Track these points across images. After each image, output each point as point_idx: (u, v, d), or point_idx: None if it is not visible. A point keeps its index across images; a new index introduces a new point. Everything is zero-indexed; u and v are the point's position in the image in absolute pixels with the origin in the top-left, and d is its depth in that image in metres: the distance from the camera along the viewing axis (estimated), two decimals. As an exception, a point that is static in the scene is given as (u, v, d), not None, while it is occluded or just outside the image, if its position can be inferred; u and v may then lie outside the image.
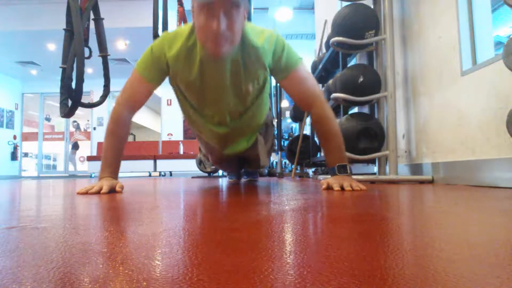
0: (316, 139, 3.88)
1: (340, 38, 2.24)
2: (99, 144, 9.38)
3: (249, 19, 3.27)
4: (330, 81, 2.90)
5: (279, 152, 5.02)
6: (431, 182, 1.97)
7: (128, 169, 7.80)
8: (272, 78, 1.53)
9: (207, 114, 1.52)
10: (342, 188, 1.30)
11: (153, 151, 8.91)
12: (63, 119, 10.80)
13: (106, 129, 1.44)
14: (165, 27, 2.82)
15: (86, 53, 2.46)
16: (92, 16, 2.62)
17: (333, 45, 2.41)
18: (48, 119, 12.43)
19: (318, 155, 3.79)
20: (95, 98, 4.58)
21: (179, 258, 0.36)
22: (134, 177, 6.55)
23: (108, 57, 2.74)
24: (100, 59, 2.69)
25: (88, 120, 11.41)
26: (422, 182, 1.97)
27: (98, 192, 1.27)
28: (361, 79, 2.15)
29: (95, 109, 9.15)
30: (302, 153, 3.92)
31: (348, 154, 2.03)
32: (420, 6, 2.18)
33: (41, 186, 2.29)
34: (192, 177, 4.52)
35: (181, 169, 7.96)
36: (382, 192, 1.29)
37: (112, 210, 0.84)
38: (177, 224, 0.59)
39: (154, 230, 0.53)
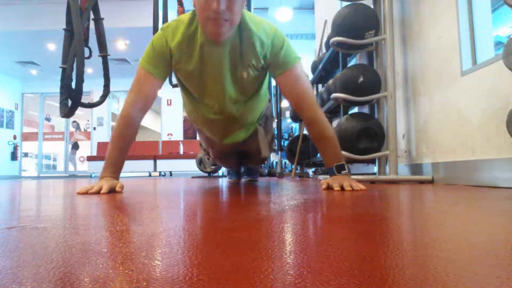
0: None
1: (340, 38, 2.24)
2: (99, 144, 9.39)
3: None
4: (330, 81, 2.90)
5: (279, 152, 5.02)
6: (431, 182, 1.97)
7: (128, 169, 7.79)
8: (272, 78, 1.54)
9: (207, 103, 1.53)
10: (342, 188, 1.31)
11: (153, 151, 8.91)
12: (63, 119, 10.80)
13: (114, 129, 1.44)
14: (165, 27, 2.82)
15: (86, 53, 2.46)
16: (92, 16, 2.62)
17: (333, 45, 2.41)
18: (48, 119, 12.43)
19: (318, 155, 3.79)
20: (95, 98, 4.57)
21: (179, 258, 0.36)
22: (134, 177, 6.55)
23: (108, 57, 2.74)
24: (100, 59, 2.69)
25: (88, 120, 11.41)
26: (422, 182, 1.97)
27: (98, 192, 1.27)
28: (361, 79, 2.15)
29: (95, 109, 9.15)
30: (302, 153, 3.92)
31: (348, 154, 2.03)
32: (420, 6, 2.18)
33: (41, 186, 2.29)
34: (192, 177, 4.52)
35: (181, 169, 7.96)
36: (382, 192, 1.29)
37: (112, 210, 0.84)
38: (177, 224, 0.59)
39: (154, 230, 0.53)
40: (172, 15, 2.84)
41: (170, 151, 8.70)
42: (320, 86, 4.01)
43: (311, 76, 4.03)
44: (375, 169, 2.30)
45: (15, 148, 10.37)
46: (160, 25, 2.80)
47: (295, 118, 4.50)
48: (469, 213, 0.72)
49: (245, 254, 0.37)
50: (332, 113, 3.37)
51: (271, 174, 4.41)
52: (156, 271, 0.32)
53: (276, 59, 1.39)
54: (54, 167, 14.97)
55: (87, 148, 10.86)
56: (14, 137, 10.46)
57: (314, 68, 3.94)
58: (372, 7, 2.30)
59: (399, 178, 2.00)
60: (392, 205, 0.91)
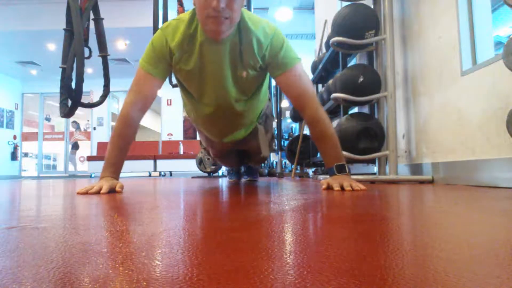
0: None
1: (340, 38, 2.24)
2: (99, 144, 9.39)
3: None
4: (330, 81, 2.90)
5: (279, 152, 5.02)
6: (431, 182, 1.97)
7: (128, 169, 7.79)
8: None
9: (206, 103, 1.53)
10: (342, 188, 1.31)
11: (153, 151, 8.92)
12: (63, 119, 10.81)
13: (113, 128, 1.44)
14: (165, 27, 2.82)
15: (86, 53, 2.46)
16: (92, 16, 2.62)
17: (333, 45, 2.41)
18: (48, 119, 12.43)
19: (318, 155, 3.78)
20: (95, 98, 4.58)
21: (179, 258, 0.36)
22: (134, 177, 6.55)
23: (108, 57, 2.74)
24: (100, 59, 2.69)
25: (88, 120, 11.41)
26: (422, 182, 1.97)
27: (98, 192, 1.27)
28: (361, 79, 2.15)
29: (95, 109, 9.15)
30: (302, 153, 3.92)
31: (348, 154, 2.03)
32: (420, 6, 2.18)
33: (41, 186, 2.29)
34: (192, 177, 4.52)
35: (181, 169, 7.96)
36: (382, 192, 1.29)
37: (112, 210, 0.84)
38: (177, 224, 0.59)
39: (154, 230, 0.53)
40: (172, 15, 2.85)
41: (170, 151, 8.71)
42: (320, 86, 4.01)
43: (311, 76, 4.03)
44: (375, 169, 2.30)
45: (15, 148, 10.38)
46: (160, 25, 2.80)
47: (295, 118, 4.50)
48: (469, 213, 0.72)
49: (245, 254, 0.37)
50: (332, 113, 3.37)
51: (271, 174, 4.41)
52: (156, 271, 0.32)
53: (275, 59, 1.39)
54: (54, 167, 14.97)
55: (87, 148, 10.86)
56: (14, 137, 10.46)
57: (314, 68, 3.94)
58: (372, 7, 2.30)
59: (399, 178, 2.00)
60: (392, 205, 0.91)
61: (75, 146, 11.52)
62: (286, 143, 5.05)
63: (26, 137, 11.04)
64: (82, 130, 12.02)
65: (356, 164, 3.23)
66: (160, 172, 8.38)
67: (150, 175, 8.46)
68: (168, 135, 10.19)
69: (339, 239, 0.45)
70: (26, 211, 0.83)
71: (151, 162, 8.07)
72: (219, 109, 1.53)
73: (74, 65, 2.39)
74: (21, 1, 7.03)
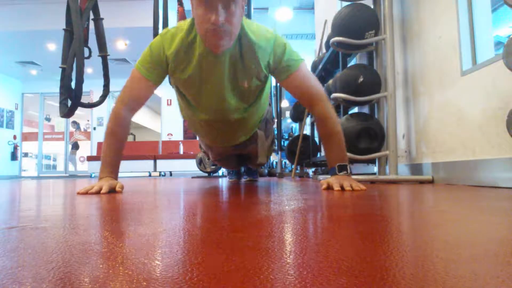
0: (316, 139, 3.88)
1: (340, 38, 2.24)
2: (99, 144, 9.38)
3: (248, 17, 3.27)
4: (330, 81, 2.90)
5: (279, 152, 5.02)
6: (431, 182, 1.97)
7: (128, 169, 7.80)
8: (272, 77, 1.54)
9: (205, 111, 1.52)
10: (342, 188, 1.31)
11: (153, 151, 8.91)
12: (63, 119, 10.80)
13: (105, 129, 1.43)
14: (165, 27, 2.82)
15: (86, 53, 2.46)
16: (92, 16, 2.62)
17: (333, 45, 2.40)
18: (48, 119, 12.43)
19: (318, 155, 3.78)
20: (95, 98, 4.57)
21: (179, 258, 0.36)
22: (134, 177, 6.55)
23: (108, 57, 2.74)
24: (100, 59, 2.69)
25: (88, 120, 11.41)
26: (422, 182, 1.97)
27: (98, 192, 1.27)
28: (361, 79, 2.15)
29: (95, 109, 9.15)
30: (302, 153, 3.92)
31: (348, 154, 2.03)
32: (420, 6, 2.18)
33: (41, 186, 2.29)
34: (192, 177, 4.52)
35: (181, 169, 7.96)
36: (382, 192, 1.29)
37: (112, 210, 0.84)
38: (177, 224, 0.59)
39: (154, 230, 0.53)
40: (172, 15, 2.85)
41: (170, 151, 8.70)
42: (320, 86, 4.00)
43: (311, 76, 4.03)
44: (375, 169, 2.30)
45: (15, 148, 10.37)
46: (160, 25, 2.80)
47: (295, 118, 4.50)
48: (469, 213, 0.72)
49: (245, 254, 0.37)
50: (332, 113, 3.37)
51: (271, 174, 4.41)
52: (156, 271, 0.32)
53: (280, 65, 1.39)
54: (54, 167, 14.97)
55: (87, 148, 10.86)
56: (14, 137, 10.46)
57: (314, 68, 3.94)
58: (372, 7, 2.30)
59: (399, 178, 2.00)
60: (392, 205, 0.91)
61: (75, 146, 11.52)
62: (286, 143, 5.05)
63: (26, 137, 11.04)
64: (82, 130, 12.02)
65: (356, 164, 3.23)
66: (160, 172, 8.38)
67: (150, 175, 8.45)
68: (168, 135, 10.19)
69: (339, 239, 0.45)
70: (26, 211, 0.83)
71: (151, 162, 8.07)
72: (217, 116, 1.53)
73: (74, 65, 2.39)
74: (21, 1, 7.03)
